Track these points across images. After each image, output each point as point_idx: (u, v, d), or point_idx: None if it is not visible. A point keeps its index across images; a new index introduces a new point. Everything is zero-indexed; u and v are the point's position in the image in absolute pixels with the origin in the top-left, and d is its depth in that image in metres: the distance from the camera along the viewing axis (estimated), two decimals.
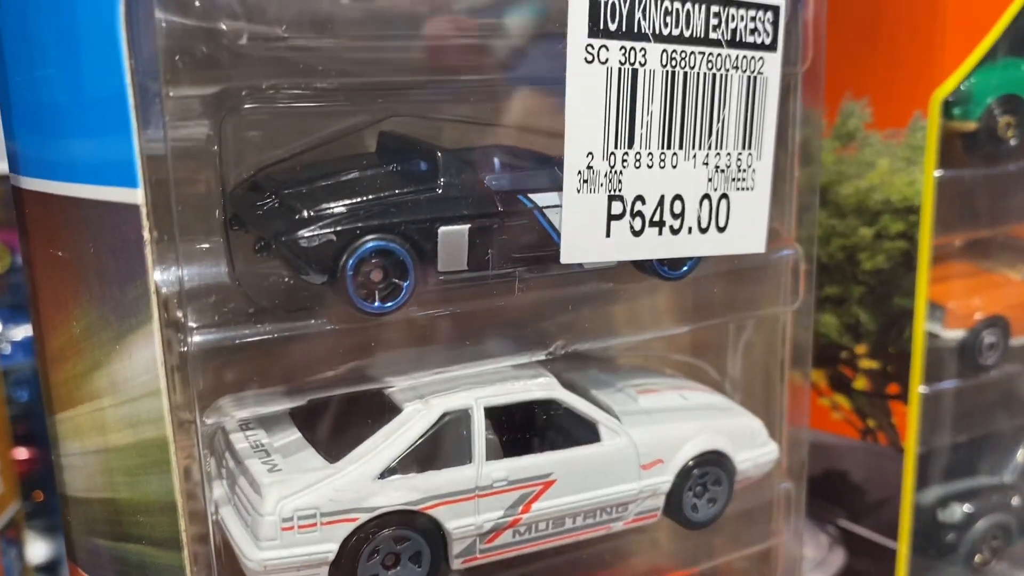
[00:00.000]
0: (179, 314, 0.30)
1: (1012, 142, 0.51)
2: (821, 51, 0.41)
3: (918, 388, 0.51)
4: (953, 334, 0.52)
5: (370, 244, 0.30)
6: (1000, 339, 0.53)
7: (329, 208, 0.30)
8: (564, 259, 0.34)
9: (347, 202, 0.31)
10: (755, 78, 0.36)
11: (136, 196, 0.29)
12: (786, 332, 0.45)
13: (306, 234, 0.30)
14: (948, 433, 0.54)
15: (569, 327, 0.38)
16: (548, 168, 0.34)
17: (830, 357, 0.54)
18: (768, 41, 0.36)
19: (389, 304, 0.31)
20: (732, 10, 0.35)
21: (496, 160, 0.34)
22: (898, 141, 0.50)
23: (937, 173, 0.50)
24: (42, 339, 0.35)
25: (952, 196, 0.51)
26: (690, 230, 0.36)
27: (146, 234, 0.29)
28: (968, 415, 0.54)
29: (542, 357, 0.37)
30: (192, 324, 0.30)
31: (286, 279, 0.31)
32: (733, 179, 0.37)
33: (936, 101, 0.48)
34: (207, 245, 0.31)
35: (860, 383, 0.54)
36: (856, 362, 0.53)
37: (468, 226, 0.32)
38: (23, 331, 0.71)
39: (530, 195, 0.33)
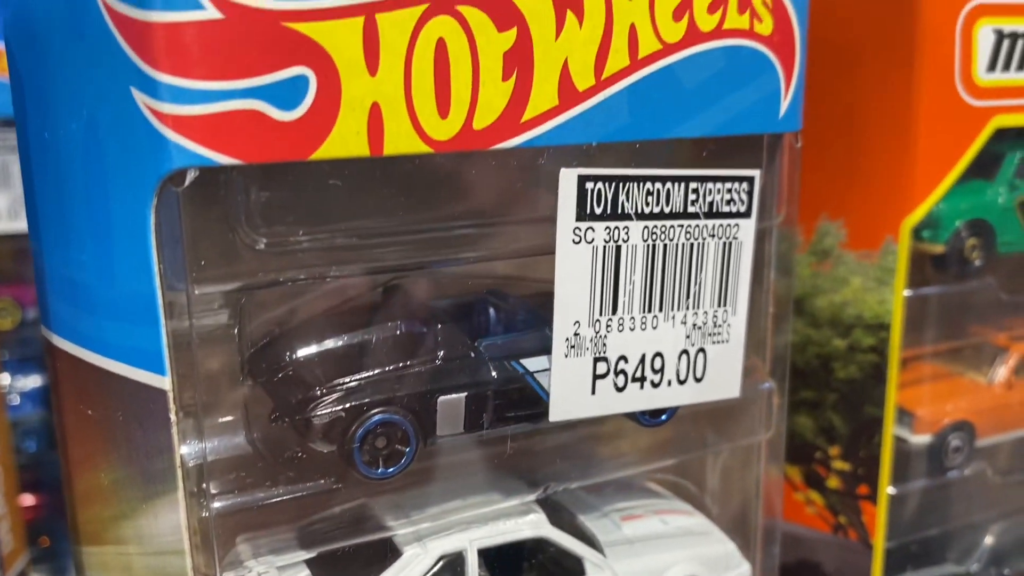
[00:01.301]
0: (203, 485, 0.33)
1: (977, 263, 0.54)
2: (795, 202, 0.44)
3: (887, 490, 0.55)
4: (921, 439, 0.55)
5: (376, 418, 0.33)
6: (966, 442, 0.57)
7: (338, 384, 0.34)
8: (552, 418, 0.37)
9: (355, 377, 0.34)
10: (730, 243, 0.39)
11: (164, 383, 0.32)
12: (761, 453, 0.48)
13: (318, 412, 0.33)
14: (916, 528, 0.57)
15: (559, 467, 0.41)
16: (539, 331, 0.37)
17: (805, 456, 0.58)
18: (743, 209, 0.39)
19: (392, 469, 0.34)
20: (709, 185, 0.38)
21: (492, 319, 0.37)
22: (871, 262, 0.53)
23: (907, 293, 0.53)
24: (70, 476, 0.38)
25: (921, 312, 0.55)
26: (669, 383, 0.39)
27: (173, 416, 0.32)
28: (935, 511, 0.57)
29: (533, 498, 0.40)
30: (213, 491, 0.33)
31: (298, 448, 0.34)
32: (709, 334, 0.40)
33: (906, 228, 0.51)
34: (230, 418, 0.34)
35: (833, 482, 0.57)
36: (829, 462, 0.57)
37: (465, 394, 0.35)
38: (32, 382, 0.74)
39: (522, 360, 0.36)
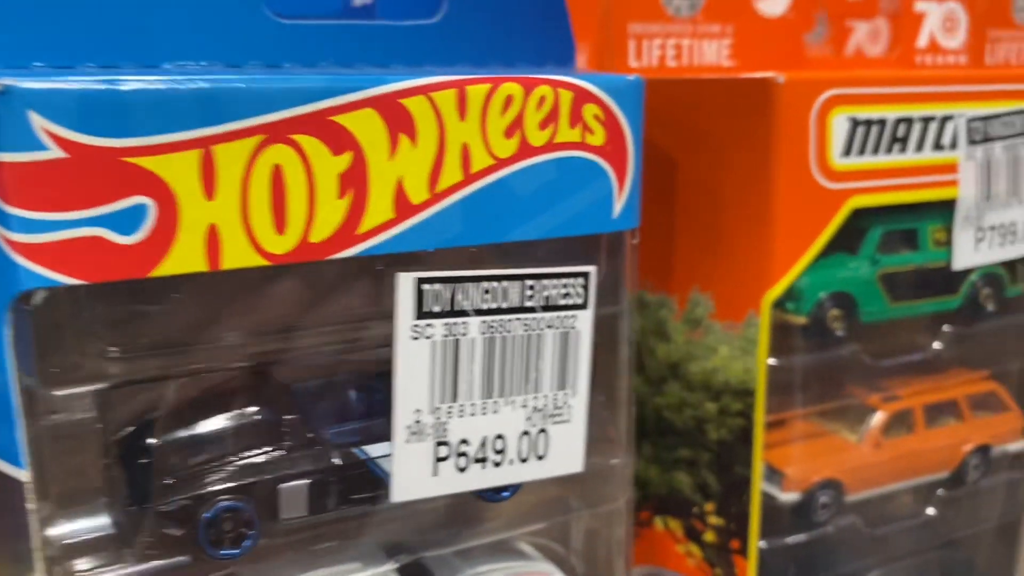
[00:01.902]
0: (64, 566, 0.36)
1: (840, 332, 0.57)
2: (634, 287, 0.47)
3: (757, 544, 0.58)
4: (790, 496, 0.59)
5: (220, 505, 0.37)
6: (834, 499, 0.60)
7: (188, 471, 0.37)
8: (394, 499, 0.40)
9: (203, 465, 0.37)
10: (568, 332, 0.43)
11: (22, 475, 0.35)
12: (623, 515, 0.51)
13: (167, 500, 0.36)
14: None
15: (415, 537, 0.44)
16: (384, 417, 0.40)
17: (685, 510, 0.61)
18: (580, 301, 0.43)
19: (236, 551, 0.37)
20: (545, 281, 0.42)
21: (339, 404, 0.41)
22: (736, 332, 0.56)
23: (771, 361, 0.57)
24: None
25: (789, 377, 0.58)
26: (511, 462, 0.43)
27: (32, 505, 0.35)
28: (809, 563, 0.61)
29: (395, 567, 0.43)
30: (81, 569, 0.36)
31: (153, 531, 0.38)
32: (550, 415, 0.43)
33: (767, 302, 0.55)
34: (97, 501, 0.38)
35: (709, 536, 0.60)
36: (705, 518, 0.60)
37: (308, 481, 0.38)
38: None
39: (365, 447, 0.40)
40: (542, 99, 0.40)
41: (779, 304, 0.57)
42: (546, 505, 0.50)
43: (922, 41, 0.72)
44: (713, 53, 0.64)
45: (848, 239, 0.59)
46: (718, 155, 0.55)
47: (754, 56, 0.65)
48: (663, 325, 0.60)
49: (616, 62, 0.62)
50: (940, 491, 0.66)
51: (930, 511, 0.66)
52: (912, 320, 0.62)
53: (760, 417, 0.56)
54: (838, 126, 0.54)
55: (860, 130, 0.55)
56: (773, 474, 0.59)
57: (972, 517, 0.69)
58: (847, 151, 0.54)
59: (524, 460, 0.43)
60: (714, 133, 0.55)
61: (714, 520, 0.60)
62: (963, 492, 0.66)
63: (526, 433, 0.43)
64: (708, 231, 0.57)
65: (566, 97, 0.41)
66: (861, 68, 0.68)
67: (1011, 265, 0.63)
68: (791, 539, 0.60)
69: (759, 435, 0.56)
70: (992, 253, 0.61)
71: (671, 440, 0.61)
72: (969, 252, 0.60)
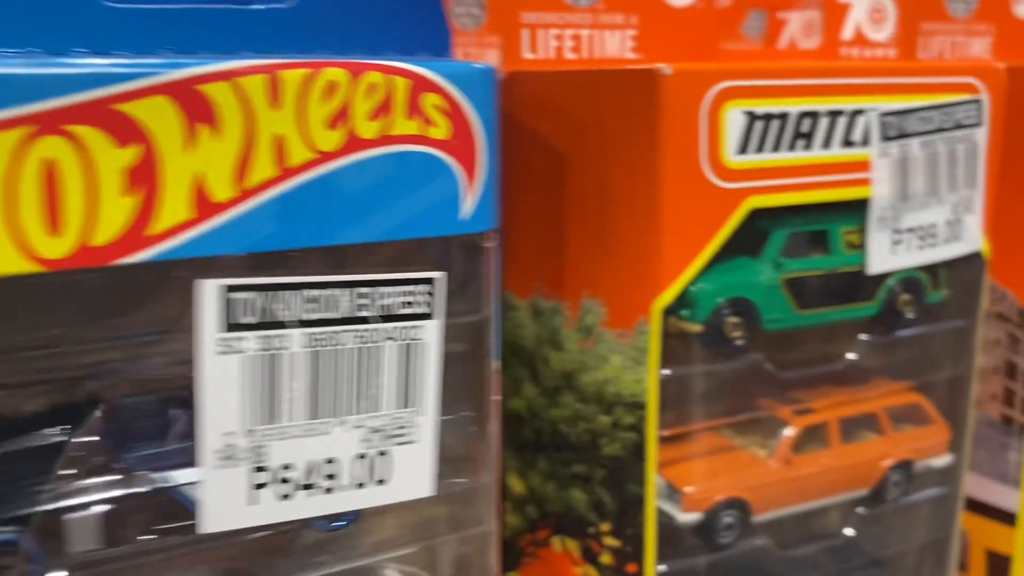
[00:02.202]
0: None
1: (739, 341, 0.54)
2: (498, 293, 0.44)
3: (653, 568, 0.54)
4: (690, 517, 0.55)
5: None
6: (739, 520, 0.56)
7: None
8: (204, 530, 0.36)
9: None
10: (412, 345, 0.39)
11: None
12: (492, 540, 0.47)
13: None
14: None
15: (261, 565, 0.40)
16: (191, 442, 0.36)
17: (581, 530, 0.57)
18: (425, 311, 0.39)
19: None
20: (383, 289, 0.38)
21: (143, 425, 0.37)
22: (627, 341, 0.52)
23: (666, 372, 0.53)
24: None
25: (687, 389, 0.54)
26: (346, 488, 0.39)
27: None
28: None
29: None
30: None
31: None
32: (392, 436, 0.39)
33: (657, 309, 0.51)
34: None
35: (606, 558, 0.56)
36: (602, 539, 0.56)
37: (100, 511, 0.34)
38: None
39: (172, 472, 0.36)
40: (372, 87, 0.37)
41: (673, 311, 0.53)
42: (413, 529, 0.46)
43: (847, 33, 0.68)
44: (616, 45, 0.60)
45: (750, 242, 0.55)
46: (606, 152, 0.51)
47: (661, 49, 0.62)
48: (556, 333, 0.56)
49: (508, 54, 0.58)
50: (860, 509, 0.62)
51: (849, 531, 0.62)
52: (827, 328, 0.59)
53: (652, 432, 0.52)
54: (732, 121, 0.50)
55: (758, 125, 0.51)
56: (672, 493, 0.56)
57: (897, 535, 0.65)
58: (743, 148, 0.50)
59: (361, 485, 0.39)
60: (602, 128, 0.51)
61: (610, 541, 0.56)
62: (885, 510, 0.62)
63: (363, 456, 0.39)
64: (598, 233, 0.53)
65: (401, 85, 0.37)
66: (788, 61, 0.64)
67: (932, 269, 0.59)
68: (693, 563, 0.56)
69: (652, 451, 0.53)
70: (911, 256, 0.57)
71: (567, 455, 0.57)
72: (885, 256, 0.57)
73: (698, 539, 0.56)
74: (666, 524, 0.55)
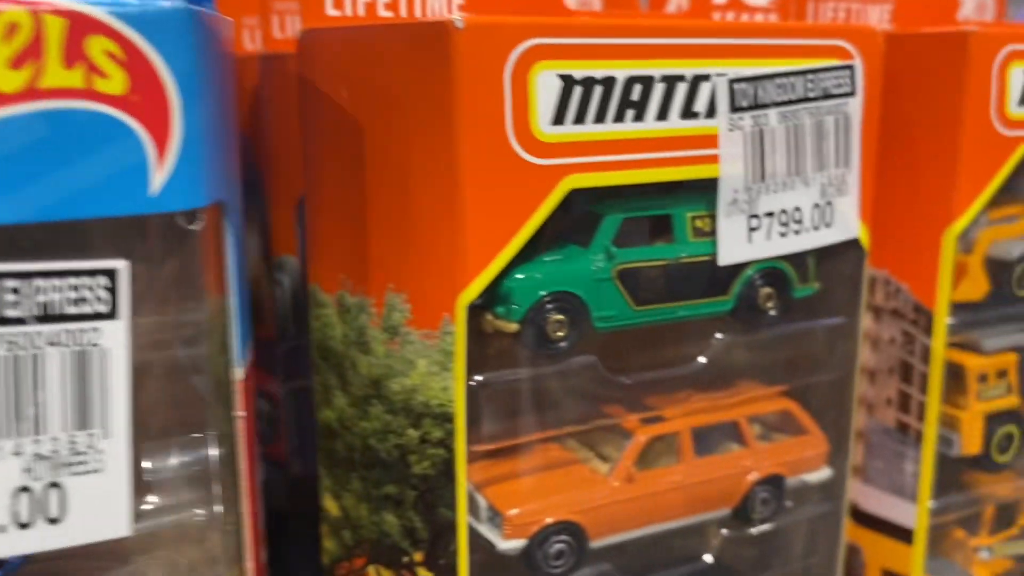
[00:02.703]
0: None
1: (563, 343, 0.46)
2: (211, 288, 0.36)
3: None
4: (512, 544, 0.48)
5: None
6: (572, 546, 0.49)
7: None
8: None
9: None
10: (85, 352, 0.32)
11: None
12: None
13: None
14: None
15: None
16: None
17: (395, 560, 0.50)
18: (103, 309, 0.32)
19: None
20: (40, 282, 0.30)
21: None
22: (432, 343, 0.45)
23: (478, 378, 0.46)
24: None
25: (512, 397, 0.47)
26: (5, 529, 0.31)
27: None
28: None
29: None
30: None
31: None
32: (66, 464, 0.32)
33: (462, 306, 0.44)
34: None
35: None
36: (415, 569, 0.49)
37: None
38: None
39: None
40: (12, 27, 0.29)
41: (487, 308, 0.46)
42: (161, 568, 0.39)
43: None
44: (442, 1, 0.53)
45: (580, 228, 0.48)
46: (402, 122, 0.44)
47: (495, 5, 0.54)
48: (363, 334, 0.48)
49: (308, 10, 0.51)
50: (724, 531, 0.55)
51: (708, 557, 0.55)
52: (683, 326, 0.51)
53: (461, 447, 0.45)
54: (545, 86, 0.43)
55: (577, 91, 0.44)
56: (494, 516, 0.48)
57: (776, 558, 0.58)
58: (559, 118, 0.43)
59: (25, 526, 0.32)
60: (395, 95, 0.44)
61: (424, 573, 0.49)
62: (753, 531, 0.55)
63: (26, 489, 0.31)
64: (398, 217, 0.45)
65: (55, 26, 0.30)
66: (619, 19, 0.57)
67: (800, 260, 0.53)
68: None
69: (461, 469, 0.45)
70: (771, 245, 0.50)
71: (378, 473, 0.50)
72: (740, 244, 0.49)
73: (523, 570, 0.49)
74: (486, 552, 0.48)
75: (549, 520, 0.48)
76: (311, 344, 0.53)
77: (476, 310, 0.45)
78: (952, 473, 0.65)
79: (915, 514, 0.63)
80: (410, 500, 0.48)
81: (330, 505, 0.54)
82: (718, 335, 0.52)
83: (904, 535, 0.64)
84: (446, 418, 0.45)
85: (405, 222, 0.45)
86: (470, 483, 0.49)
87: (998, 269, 0.64)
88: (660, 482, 0.51)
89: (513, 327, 0.45)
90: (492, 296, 0.45)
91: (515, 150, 0.42)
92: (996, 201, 0.61)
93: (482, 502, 0.49)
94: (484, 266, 0.43)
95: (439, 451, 0.46)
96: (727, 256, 0.49)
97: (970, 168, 0.58)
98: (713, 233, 0.49)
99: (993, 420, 0.65)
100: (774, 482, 0.54)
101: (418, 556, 0.49)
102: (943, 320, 0.60)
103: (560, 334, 0.46)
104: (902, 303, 0.62)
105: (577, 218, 0.48)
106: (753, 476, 0.53)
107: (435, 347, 0.45)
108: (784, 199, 0.50)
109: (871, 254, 0.57)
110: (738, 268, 0.50)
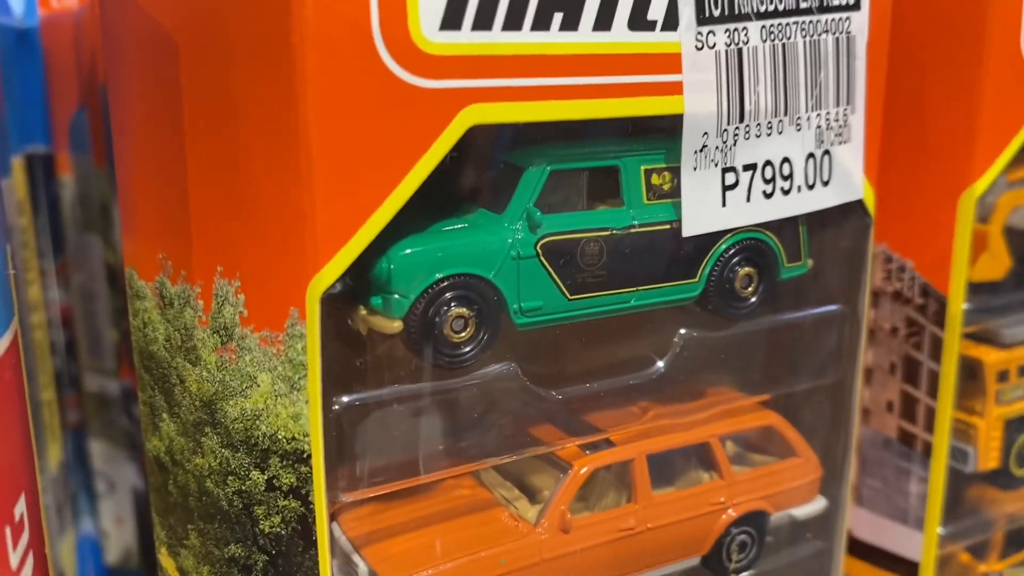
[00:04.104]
0: None
1: (468, 350, 0.33)
2: None
3: None
4: None
5: None
6: None
7: None
8: None
9: None
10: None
11: None
12: None
13: None
14: None
15: None
16: None
17: None
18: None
19: None
20: None
21: None
22: (276, 350, 0.32)
23: (346, 399, 0.32)
24: None
25: (380, 428, 0.34)
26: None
27: None
28: None
29: None
30: None
31: None
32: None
33: (313, 297, 0.30)
34: None
35: None
36: None
37: None
38: None
39: None
40: None
41: (357, 299, 0.32)
42: None
43: None
44: None
45: (490, 185, 0.35)
46: (228, 45, 0.30)
47: None
48: (190, 336, 0.35)
49: None
50: None
51: None
52: (634, 320, 0.38)
53: (320, 499, 0.32)
54: None
55: None
56: None
57: None
58: (452, 20, 0.30)
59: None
60: (225, 37, 0.30)
61: None
62: None
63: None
64: (224, 170, 0.32)
65: None
66: None
67: (789, 229, 0.39)
68: None
69: (322, 530, 0.32)
70: (752, 210, 0.37)
71: (219, 528, 0.36)
72: (710, 208, 0.36)
73: None
74: None
75: None
76: (133, 349, 0.39)
77: (339, 302, 0.32)
78: (962, 491, 0.53)
79: (921, 544, 0.51)
80: (260, 567, 0.35)
81: (167, 563, 0.40)
82: (682, 331, 0.39)
83: (907, 569, 0.52)
84: (299, 458, 0.32)
85: (233, 176, 0.31)
86: (346, 541, 0.36)
87: (1022, 242, 0.52)
88: (606, 529, 0.38)
89: (395, 326, 0.32)
90: (364, 282, 0.32)
91: (387, 66, 0.29)
92: (1017, 159, 0.49)
93: (362, 567, 0.35)
94: (345, 238, 0.30)
95: (292, 503, 0.33)
96: (694, 224, 0.36)
97: (995, 114, 0.45)
98: (675, 193, 0.36)
99: (1013, 427, 0.53)
100: (755, 520, 0.42)
101: None
102: (958, 305, 0.48)
103: (463, 335, 0.33)
104: (907, 284, 0.50)
105: (485, 171, 0.34)
106: (729, 515, 0.41)
107: (280, 356, 0.31)
108: (769, 147, 0.37)
109: None
110: (708, 241, 0.37)
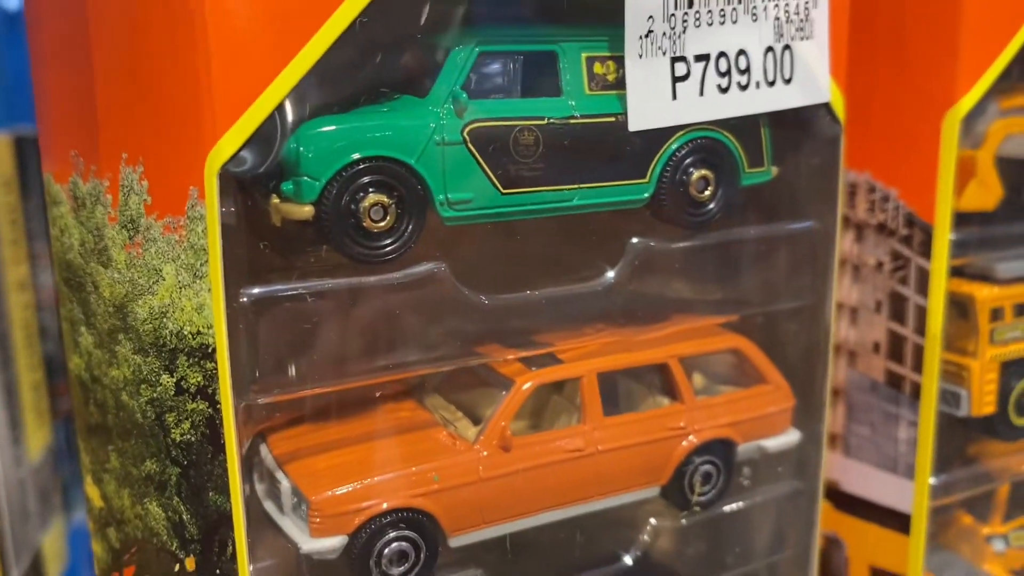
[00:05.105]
0: None
1: (389, 242, 0.31)
2: None
3: None
4: (324, 544, 0.32)
5: None
6: (419, 547, 0.33)
7: None
8: None
9: None
10: None
11: None
12: None
13: None
14: None
15: None
16: None
17: (167, 569, 0.34)
18: None
19: None
20: None
21: None
22: (179, 236, 0.30)
23: (255, 290, 0.30)
24: None
25: (296, 325, 0.32)
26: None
27: None
28: None
29: None
30: None
31: None
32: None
33: (211, 171, 0.28)
34: None
35: None
36: None
37: None
38: None
39: None
40: None
41: (272, 186, 0.30)
42: None
43: None
44: None
45: (414, 68, 0.32)
46: None
47: None
48: (101, 236, 0.33)
49: None
50: (652, 521, 0.40)
51: (628, 559, 0.39)
52: (578, 222, 0.36)
53: (227, 398, 0.30)
54: None
55: None
56: (300, 504, 0.33)
57: (720, 558, 0.43)
58: None
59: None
60: None
61: None
62: (693, 519, 0.40)
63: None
64: (127, 52, 0.30)
65: None
66: None
67: (749, 130, 0.37)
68: None
69: (230, 432, 0.30)
70: (706, 105, 0.35)
71: (136, 444, 0.34)
72: (659, 101, 0.34)
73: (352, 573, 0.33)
74: (292, 558, 0.33)
75: (383, 506, 0.33)
76: (53, 262, 0.37)
77: (255, 187, 0.30)
78: (958, 441, 0.50)
79: (912, 494, 0.48)
80: (173, 480, 0.32)
81: (92, 492, 0.38)
82: (634, 240, 0.37)
83: (898, 522, 0.49)
84: (204, 353, 0.30)
85: (133, 54, 0.29)
86: (272, 459, 0.34)
87: (1014, 171, 0.49)
88: (551, 449, 0.35)
89: (306, 211, 0.30)
90: (277, 165, 0.30)
91: None
92: (1008, 87, 0.46)
93: (285, 483, 0.33)
94: (243, 107, 0.28)
95: (200, 405, 0.30)
96: (641, 118, 0.33)
97: (979, 25, 0.43)
98: (621, 85, 0.33)
99: (1011, 369, 0.49)
100: (720, 450, 0.39)
101: (189, 564, 0.33)
102: (945, 236, 0.45)
103: (382, 224, 0.30)
104: (891, 215, 0.47)
105: (409, 55, 0.32)
106: (690, 442, 0.38)
107: (183, 243, 0.29)
108: (723, 36, 0.34)
109: (848, 154, 0.42)
110: (659, 138, 0.34)
